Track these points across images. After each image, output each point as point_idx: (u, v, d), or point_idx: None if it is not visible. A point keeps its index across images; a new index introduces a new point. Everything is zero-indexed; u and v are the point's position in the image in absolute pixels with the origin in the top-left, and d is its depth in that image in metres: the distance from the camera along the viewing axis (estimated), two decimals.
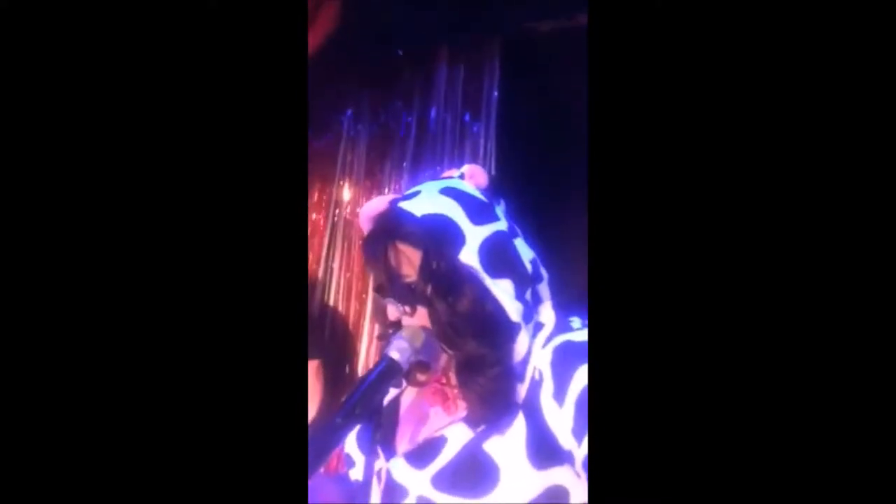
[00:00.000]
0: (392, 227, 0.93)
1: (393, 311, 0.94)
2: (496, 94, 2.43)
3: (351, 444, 1.03)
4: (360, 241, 1.06)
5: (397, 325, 0.95)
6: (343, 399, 0.86)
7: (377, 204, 0.97)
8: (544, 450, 0.88)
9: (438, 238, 0.91)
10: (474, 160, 2.43)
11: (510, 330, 0.91)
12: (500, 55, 2.39)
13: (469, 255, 0.91)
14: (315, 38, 2.17)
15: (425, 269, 0.90)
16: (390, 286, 0.93)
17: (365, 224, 0.98)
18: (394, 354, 0.90)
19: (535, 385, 0.91)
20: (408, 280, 0.92)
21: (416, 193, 0.96)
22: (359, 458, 1.03)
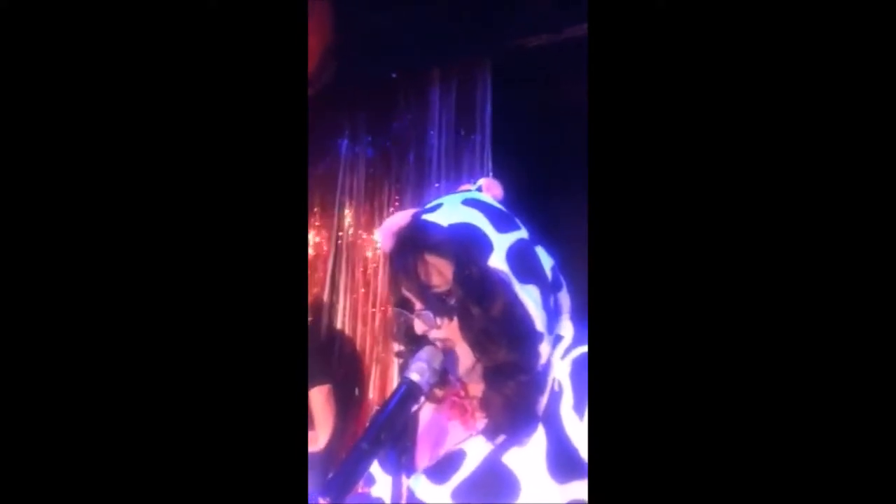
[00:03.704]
0: (419, 239, 0.93)
1: (421, 324, 0.94)
2: (489, 109, 2.45)
3: (374, 463, 1.04)
4: (385, 259, 1.06)
5: (421, 341, 0.95)
6: (367, 425, 0.87)
7: (399, 219, 0.97)
8: (565, 463, 0.88)
9: (467, 246, 0.91)
10: (471, 174, 2.45)
11: (535, 338, 0.92)
12: (491, 71, 2.41)
13: (498, 261, 0.91)
14: (308, 64, 2.19)
15: (458, 278, 0.90)
16: (421, 299, 0.93)
17: (387, 240, 0.97)
18: (414, 377, 0.90)
19: (556, 397, 0.91)
20: (439, 290, 0.91)
21: (439, 206, 0.96)
22: (381, 477, 1.03)
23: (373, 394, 2.66)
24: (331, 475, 0.82)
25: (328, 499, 0.79)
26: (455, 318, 0.91)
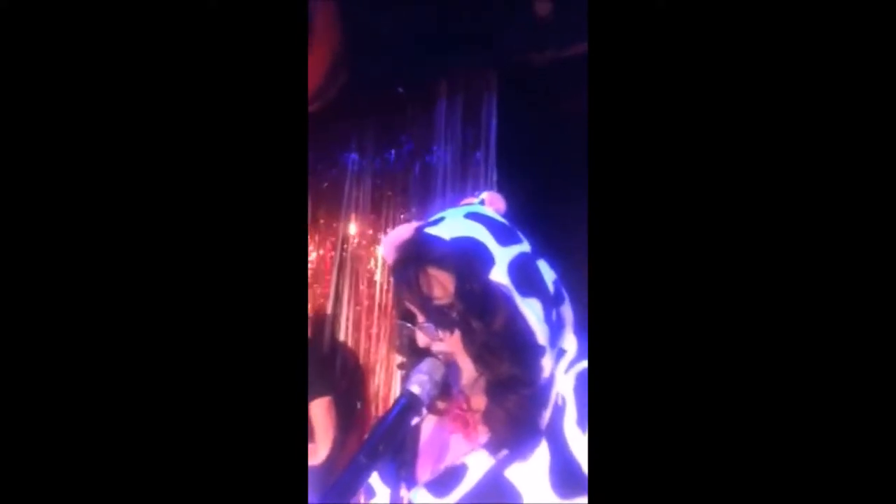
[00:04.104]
0: (422, 252, 0.93)
1: (423, 337, 0.94)
2: (495, 122, 2.46)
3: (373, 475, 1.03)
4: (388, 271, 1.07)
5: (424, 353, 0.95)
6: (366, 437, 0.86)
7: (402, 232, 0.97)
8: (568, 478, 0.87)
9: (469, 259, 0.91)
10: (476, 187, 2.45)
11: (537, 351, 0.91)
12: (498, 86, 2.42)
13: (500, 275, 0.91)
14: (315, 77, 2.20)
15: (459, 291, 0.91)
16: (423, 311, 0.93)
17: (390, 253, 0.98)
18: (414, 389, 0.89)
19: (559, 411, 0.91)
20: (440, 303, 0.92)
21: (441, 219, 0.97)
22: (381, 489, 1.03)
23: (374, 407, 2.65)
24: (328, 487, 0.81)
25: None
26: (457, 332, 0.91)
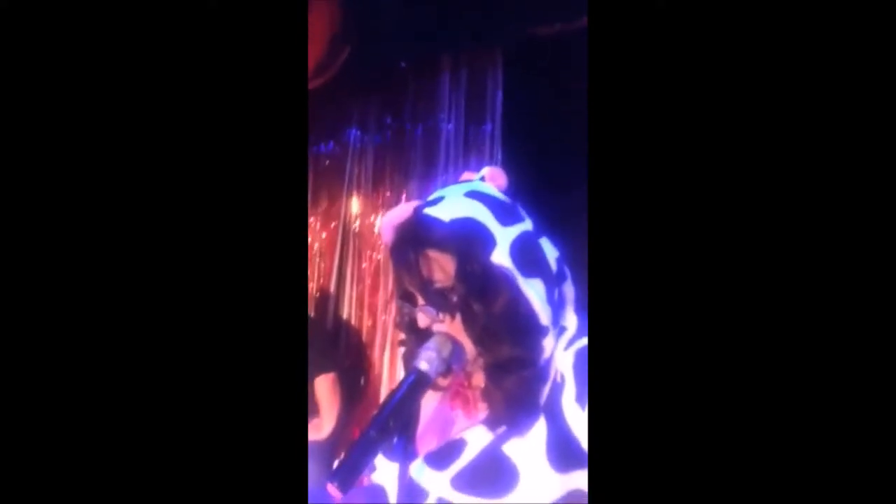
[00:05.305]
0: (421, 234, 0.92)
1: (424, 318, 0.93)
2: (500, 98, 2.45)
3: None
4: (387, 251, 1.05)
5: (426, 333, 0.94)
6: (375, 413, 0.87)
7: (400, 212, 0.96)
8: (565, 453, 0.88)
9: (470, 241, 0.90)
10: (480, 164, 2.44)
11: (540, 332, 0.91)
12: (503, 60, 2.40)
13: (501, 256, 0.90)
14: (317, 52, 2.18)
15: (460, 274, 0.89)
16: (423, 294, 0.92)
17: (388, 233, 0.96)
18: (423, 366, 0.90)
19: (557, 388, 0.91)
20: (441, 286, 0.91)
21: (440, 199, 0.95)
22: (383, 464, 1.03)
23: (378, 383, 2.67)
24: (339, 462, 0.82)
25: (336, 484, 0.79)
26: (458, 315, 0.91)
